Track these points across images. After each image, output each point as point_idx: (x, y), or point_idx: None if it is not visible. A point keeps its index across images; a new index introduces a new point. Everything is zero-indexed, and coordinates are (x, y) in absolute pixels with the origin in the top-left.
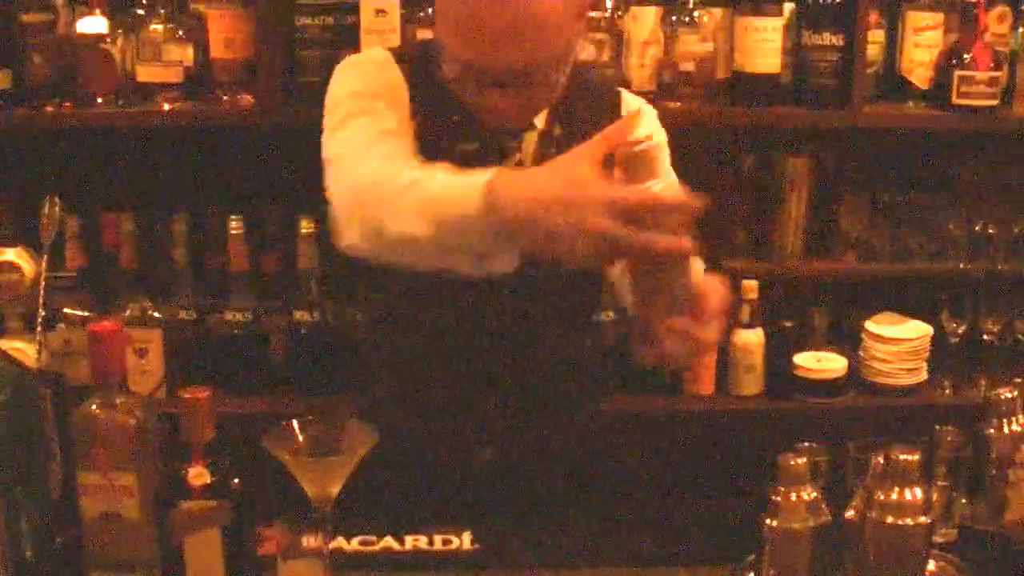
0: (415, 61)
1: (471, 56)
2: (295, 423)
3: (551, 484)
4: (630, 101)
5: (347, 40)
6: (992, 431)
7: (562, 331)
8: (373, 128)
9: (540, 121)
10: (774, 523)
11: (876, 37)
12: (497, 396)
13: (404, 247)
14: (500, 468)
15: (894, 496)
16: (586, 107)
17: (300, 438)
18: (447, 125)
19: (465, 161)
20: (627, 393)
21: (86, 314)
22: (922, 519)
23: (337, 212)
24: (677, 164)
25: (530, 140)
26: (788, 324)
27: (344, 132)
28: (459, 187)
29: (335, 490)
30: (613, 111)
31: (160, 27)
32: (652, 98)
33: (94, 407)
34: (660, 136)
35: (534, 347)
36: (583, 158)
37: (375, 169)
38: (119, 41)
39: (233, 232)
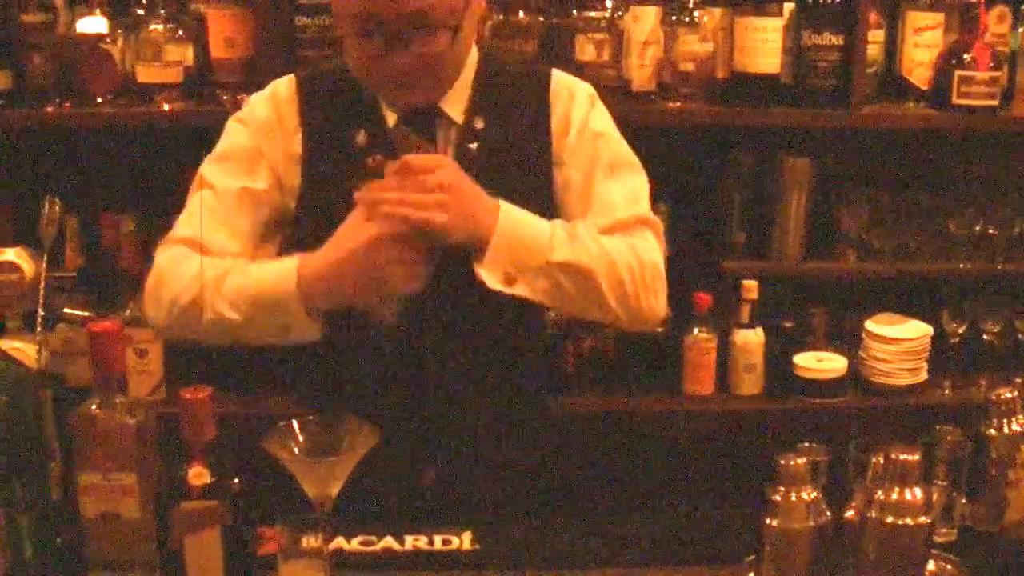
0: (320, 86)
1: (360, 3)
2: (295, 423)
3: (504, 490)
4: (562, 81)
5: None
6: (992, 431)
7: (501, 333)
8: (205, 209)
9: (457, 114)
10: (774, 523)
11: (876, 37)
12: (438, 407)
13: (215, 329)
14: (447, 482)
15: (894, 496)
16: (510, 97)
17: (300, 438)
18: (353, 145)
19: (375, 176)
20: (627, 393)
21: (86, 314)
22: (922, 519)
23: (146, 295)
24: (677, 164)
25: (446, 136)
26: (788, 324)
27: (188, 205)
28: (272, 274)
29: (335, 490)
30: (541, 97)
31: (160, 27)
32: (652, 98)
33: (94, 407)
34: (599, 116)
35: (473, 355)
36: (356, 214)
37: (176, 259)
38: (119, 41)
39: None
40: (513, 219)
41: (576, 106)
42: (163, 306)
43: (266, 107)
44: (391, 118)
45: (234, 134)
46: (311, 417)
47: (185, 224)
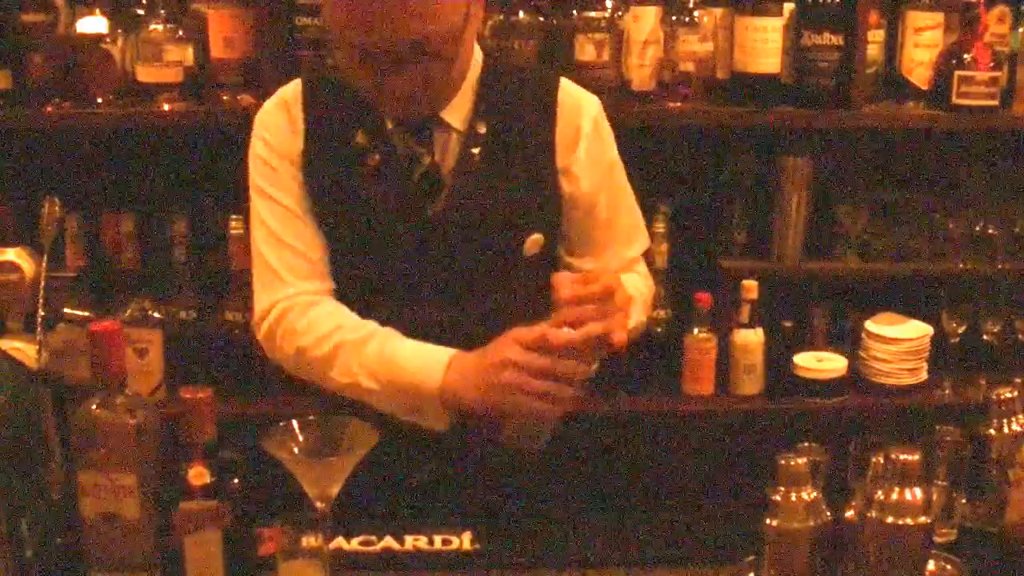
0: (323, 87)
1: (357, 36)
2: (295, 423)
3: (504, 490)
4: (570, 91)
5: None
6: (992, 431)
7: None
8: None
9: (458, 121)
10: (774, 523)
11: (876, 37)
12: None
13: (344, 389)
14: (446, 482)
15: (894, 496)
16: (514, 102)
17: (300, 438)
18: (353, 146)
19: (373, 179)
20: (627, 393)
21: (86, 314)
22: (922, 519)
23: (264, 339)
24: (677, 164)
25: (447, 141)
26: (788, 324)
27: (256, 217)
28: (420, 362)
29: (335, 490)
30: (547, 105)
31: (160, 27)
32: (652, 98)
33: (94, 407)
34: (609, 137)
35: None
36: (511, 342)
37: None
38: (119, 41)
39: (233, 232)
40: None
41: (585, 120)
42: (287, 355)
43: (277, 112)
44: (390, 121)
45: (259, 158)
46: (311, 417)
47: (268, 274)
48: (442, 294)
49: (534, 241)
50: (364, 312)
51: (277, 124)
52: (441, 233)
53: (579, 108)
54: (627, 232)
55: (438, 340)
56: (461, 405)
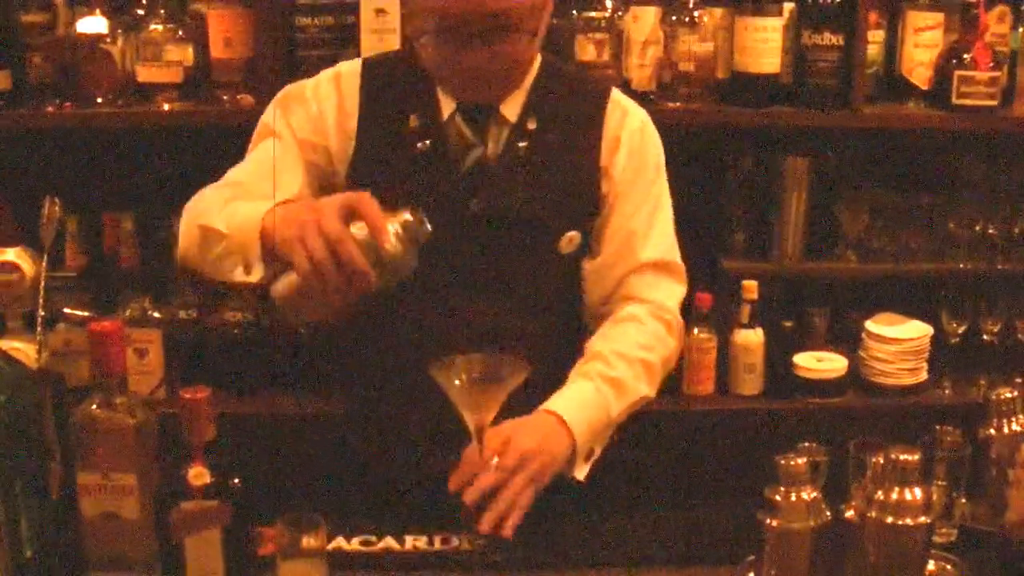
0: (381, 69)
1: (439, 2)
2: (460, 358)
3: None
4: (619, 100)
5: (347, 40)
6: (992, 431)
7: (539, 334)
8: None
9: (511, 113)
10: (774, 523)
11: (876, 37)
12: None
13: (207, 238)
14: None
15: (894, 496)
16: (565, 103)
17: (463, 369)
18: (404, 130)
19: (420, 164)
20: None
21: (86, 314)
22: (922, 519)
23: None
24: (677, 164)
25: (499, 134)
26: (788, 324)
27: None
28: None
29: (490, 417)
30: (596, 109)
31: (160, 27)
32: (652, 98)
33: (94, 407)
34: (654, 147)
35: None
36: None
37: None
38: (119, 41)
39: None
40: (578, 422)
41: (630, 127)
42: (189, 229)
43: (330, 85)
44: (447, 109)
45: (300, 99)
46: (476, 354)
47: (241, 169)
48: (475, 286)
49: (570, 239)
50: (392, 301)
51: (330, 96)
52: (481, 225)
53: (625, 115)
54: (643, 235)
55: (467, 332)
56: (271, 234)
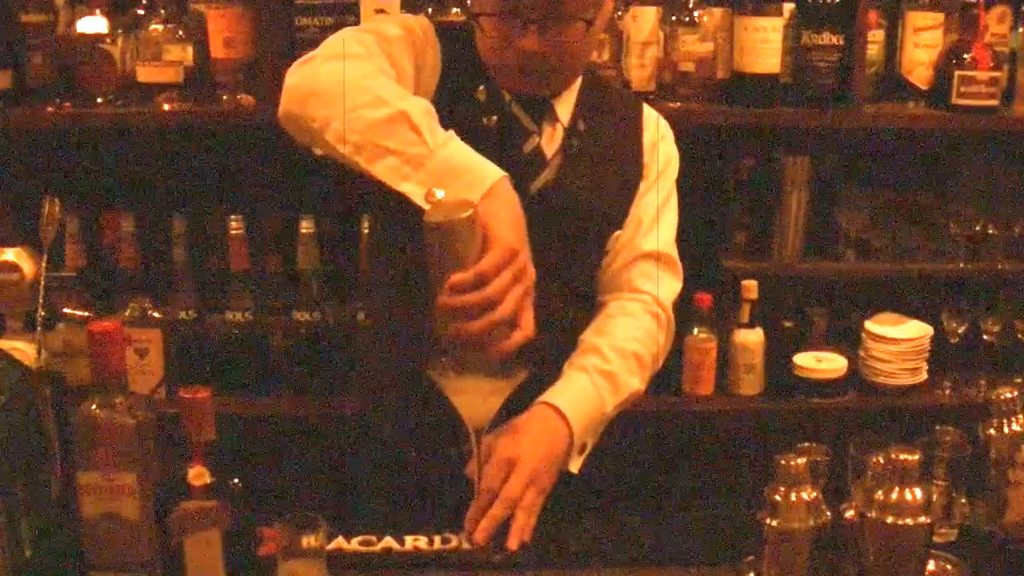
0: (450, 35)
1: None
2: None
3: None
4: (650, 111)
5: None
6: (992, 431)
7: (575, 323)
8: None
9: (565, 115)
10: (774, 523)
11: (876, 37)
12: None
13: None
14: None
15: (894, 496)
16: (610, 109)
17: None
18: (472, 102)
19: (485, 137)
20: None
21: (86, 314)
22: (922, 519)
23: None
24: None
25: (552, 131)
26: (788, 324)
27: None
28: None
29: (490, 416)
30: (634, 116)
31: (160, 27)
32: (652, 98)
33: (94, 407)
34: (675, 155)
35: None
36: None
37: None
38: (119, 41)
39: (233, 232)
40: (577, 416)
41: (662, 130)
42: (303, 69)
43: (424, 34)
44: (506, 94)
45: (413, 32)
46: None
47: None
48: None
49: (616, 238)
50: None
51: (427, 46)
52: (538, 212)
53: (658, 122)
54: (649, 226)
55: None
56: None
